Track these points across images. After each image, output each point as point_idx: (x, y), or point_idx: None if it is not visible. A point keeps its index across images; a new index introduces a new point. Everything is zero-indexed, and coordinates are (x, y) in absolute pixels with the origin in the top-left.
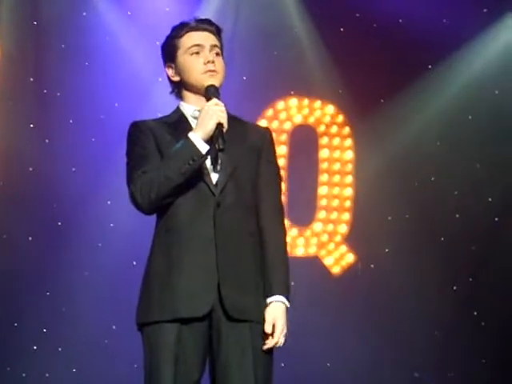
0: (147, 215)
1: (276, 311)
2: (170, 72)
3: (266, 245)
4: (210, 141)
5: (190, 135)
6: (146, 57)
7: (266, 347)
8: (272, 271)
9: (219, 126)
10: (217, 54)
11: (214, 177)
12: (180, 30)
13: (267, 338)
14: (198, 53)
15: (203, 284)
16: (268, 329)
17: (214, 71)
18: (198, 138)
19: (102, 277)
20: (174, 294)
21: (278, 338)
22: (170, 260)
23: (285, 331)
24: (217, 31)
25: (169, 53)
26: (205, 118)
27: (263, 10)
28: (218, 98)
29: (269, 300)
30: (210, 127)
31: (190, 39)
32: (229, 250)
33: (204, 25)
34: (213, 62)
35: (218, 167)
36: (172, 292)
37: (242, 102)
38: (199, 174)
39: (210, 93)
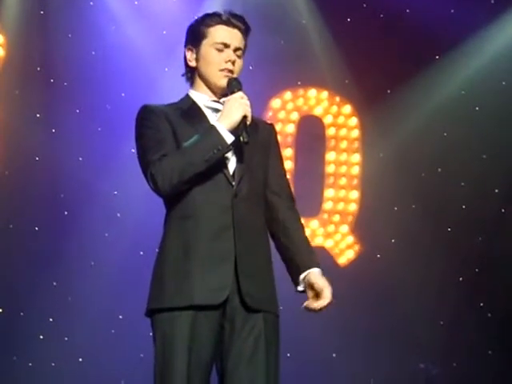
0: (162, 198)
1: (320, 276)
2: (189, 55)
3: (290, 231)
4: (232, 132)
5: (216, 124)
6: (153, 46)
7: (319, 307)
8: (303, 251)
9: (244, 118)
10: (238, 56)
11: (231, 167)
12: (212, 19)
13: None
14: (222, 50)
15: (220, 271)
16: (327, 294)
17: (231, 71)
18: (224, 128)
19: (108, 267)
20: (191, 280)
21: (331, 296)
22: (186, 246)
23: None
24: (246, 30)
25: (194, 37)
26: (231, 108)
27: (271, 1)
28: (242, 91)
29: (310, 271)
30: (236, 118)
31: (219, 34)
32: (246, 239)
33: (236, 21)
34: (233, 62)
35: (236, 159)
36: (188, 278)
37: (249, 92)
38: (218, 163)
39: (232, 86)
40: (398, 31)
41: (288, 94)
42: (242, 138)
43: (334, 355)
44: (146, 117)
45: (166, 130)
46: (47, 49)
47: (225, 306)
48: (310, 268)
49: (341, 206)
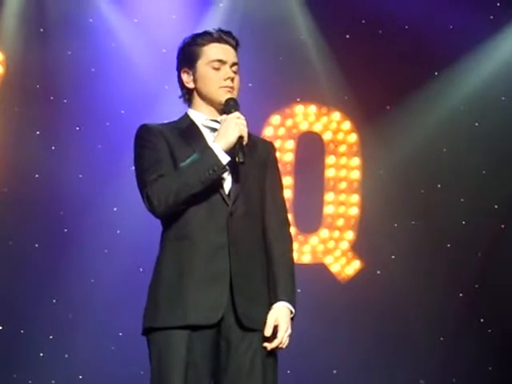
0: (158, 218)
1: (279, 313)
2: (185, 77)
3: (274, 257)
4: (228, 152)
5: (212, 145)
6: (153, 64)
7: (269, 348)
8: (279, 280)
9: (240, 139)
10: (235, 72)
11: (227, 187)
12: (204, 38)
13: (268, 341)
14: (219, 68)
15: (215, 291)
16: (267, 332)
17: (231, 88)
18: (220, 149)
19: (108, 283)
20: (186, 300)
21: (281, 338)
22: (181, 266)
23: (289, 331)
24: (236, 46)
25: (187, 59)
26: (228, 129)
27: (269, 17)
28: (239, 112)
29: (273, 306)
30: (232, 139)
31: (213, 51)
32: (241, 258)
33: (227, 37)
34: (232, 79)
35: (232, 178)
36: (184, 298)
37: (248, 109)
38: (214, 183)
39: (229, 106)
40: (396, 47)
41: (287, 111)
42: (237, 159)
43: (334, 372)
44: (144, 136)
45: (164, 149)
46: (47, 66)
47: (220, 324)
48: (277, 301)
49: (340, 222)
